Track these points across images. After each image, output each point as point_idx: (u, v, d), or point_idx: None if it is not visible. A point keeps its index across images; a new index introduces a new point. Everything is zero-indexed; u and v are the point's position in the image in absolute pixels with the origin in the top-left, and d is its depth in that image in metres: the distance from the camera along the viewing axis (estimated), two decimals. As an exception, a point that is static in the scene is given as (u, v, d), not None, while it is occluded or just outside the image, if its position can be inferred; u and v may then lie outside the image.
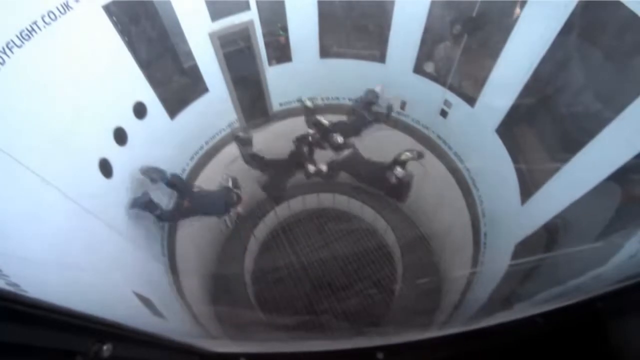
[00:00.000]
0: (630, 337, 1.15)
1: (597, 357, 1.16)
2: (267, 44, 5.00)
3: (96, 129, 3.39)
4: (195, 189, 4.55)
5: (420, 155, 4.85)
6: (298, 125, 5.91)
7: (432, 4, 4.16)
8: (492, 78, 3.98)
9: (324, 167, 5.21)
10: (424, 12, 4.24)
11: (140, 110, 3.98)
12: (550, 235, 3.47)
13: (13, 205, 2.27)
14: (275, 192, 5.86)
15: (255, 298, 6.27)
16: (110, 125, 3.57)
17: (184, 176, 5.02)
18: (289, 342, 3.34)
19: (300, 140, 5.18)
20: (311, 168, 5.20)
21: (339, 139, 5.00)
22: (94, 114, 3.30)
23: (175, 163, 4.87)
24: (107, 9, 3.33)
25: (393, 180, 4.79)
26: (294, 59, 5.27)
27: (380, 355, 1.11)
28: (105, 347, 0.89)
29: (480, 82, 4.18)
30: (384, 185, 5.03)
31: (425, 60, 4.87)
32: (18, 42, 2.47)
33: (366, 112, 5.10)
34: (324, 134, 5.15)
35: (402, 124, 5.60)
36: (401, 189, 5.06)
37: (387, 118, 5.43)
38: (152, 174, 3.96)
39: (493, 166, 4.30)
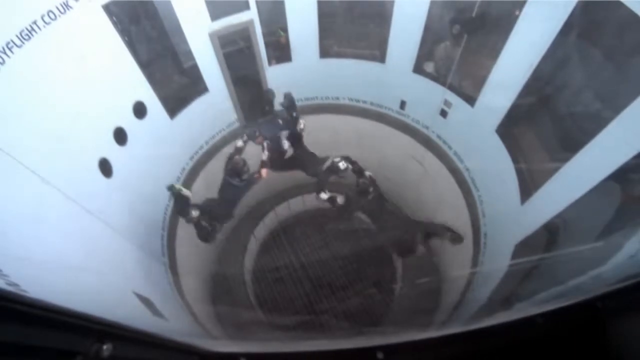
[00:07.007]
0: (630, 337, 1.15)
1: (597, 357, 1.16)
2: (267, 44, 5.00)
3: (96, 129, 3.39)
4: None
5: (458, 239, 4.24)
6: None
7: (432, 4, 4.15)
8: (492, 78, 3.97)
9: (339, 199, 4.60)
10: (424, 12, 4.24)
11: (140, 110, 3.98)
12: (550, 235, 3.47)
13: (13, 205, 2.27)
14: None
15: (255, 298, 6.27)
16: (110, 125, 3.57)
17: (183, 176, 5.02)
18: (289, 342, 3.33)
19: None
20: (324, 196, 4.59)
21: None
22: (94, 114, 3.30)
23: (175, 163, 4.87)
24: (107, 8, 3.33)
25: (418, 251, 4.33)
26: (294, 59, 5.27)
27: (380, 355, 1.11)
28: (105, 347, 0.88)
29: (480, 82, 4.18)
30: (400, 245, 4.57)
31: (425, 60, 4.86)
32: (18, 42, 2.47)
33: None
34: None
35: (402, 124, 5.59)
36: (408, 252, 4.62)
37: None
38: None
39: (493, 166, 4.30)
